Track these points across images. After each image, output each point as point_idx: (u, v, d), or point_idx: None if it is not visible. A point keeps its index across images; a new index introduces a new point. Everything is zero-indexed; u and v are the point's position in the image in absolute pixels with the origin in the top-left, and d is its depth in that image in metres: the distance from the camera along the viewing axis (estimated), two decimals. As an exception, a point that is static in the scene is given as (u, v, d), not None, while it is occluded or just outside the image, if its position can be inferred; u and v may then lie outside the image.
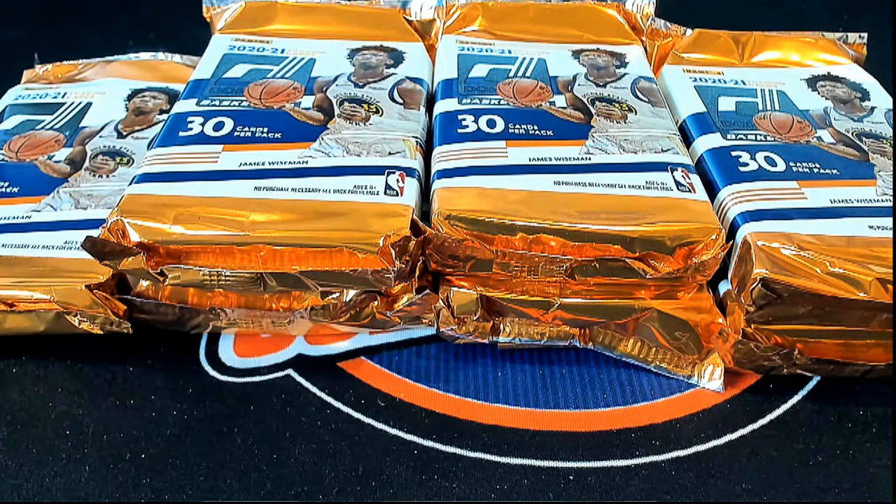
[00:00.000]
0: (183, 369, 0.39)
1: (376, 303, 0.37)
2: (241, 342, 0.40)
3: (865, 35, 0.51)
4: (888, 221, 0.36)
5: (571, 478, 0.34)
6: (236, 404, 0.37)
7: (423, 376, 0.39)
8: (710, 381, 0.38)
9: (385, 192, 0.37)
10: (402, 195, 0.37)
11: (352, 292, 0.37)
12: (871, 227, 0.36)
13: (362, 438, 0.36)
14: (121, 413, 0.36)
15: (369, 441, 0.36)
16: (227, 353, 0.40)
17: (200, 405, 0.37)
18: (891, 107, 0.46)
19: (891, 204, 0.37)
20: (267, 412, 0.37)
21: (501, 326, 0.38)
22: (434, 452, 0.35)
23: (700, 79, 0.47)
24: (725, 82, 0.47)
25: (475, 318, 0.37)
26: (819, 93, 0.46)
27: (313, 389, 0.38)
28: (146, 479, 0.34)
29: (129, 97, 0.49)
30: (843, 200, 0.37)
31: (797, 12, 0.72)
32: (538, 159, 0.39)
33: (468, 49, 0.48)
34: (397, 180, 0.37)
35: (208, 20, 0.52)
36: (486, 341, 0.38)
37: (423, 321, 0.39)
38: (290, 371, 0.39)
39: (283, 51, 0.48)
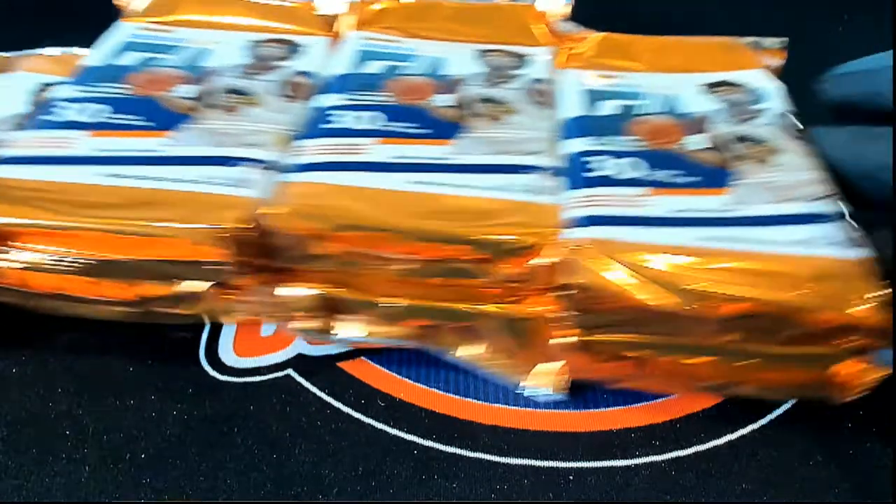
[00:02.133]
0: (183, 369, 0.39)
1: (223, 294, 0.37)
2: (242, 342, 0.40)
3: (786, 39, 0.50)
4: (719, 232, 0.35)
5: (571, 478, 0.34)
6: (236, 404, 0.37)
7: (423, 376, 0.39)
8: (546, 388, 0.37)
9: (232, 184, 0.36)
10: (249, 187, 0.36)
11: (197, 283, 0.37)
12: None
13: (362, 438, 0.36)
14: (121, 413, 0.36)
15: (369, 441, 0.36)
16: (227, 352, 0.40)
17: (200, 405, 0.37)
18: (784, 111, 0.43)
19: (730, 214, 0.36)
20: (267, 412, 0.37)
21: (343, 324, 0.38)
22: (434, 452, 0.35)
23: (593, 82, 0.46)
24: (619, 86, 0.46)
25: (316, 315, 0.37)
26: (713, 98, 0.45)
27: (313, 389, 0.38)
28: (146, 479, 0.34)
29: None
30: (683, 210, 0.36)
31: (797, 12, 0.72)
32: (402, 157, 0.38)
33: (369, 46, 0.47)
34: (250, 173, 0.37)
35: (120, 8, 0.52)
36: (329, 338, 0.38)
37: (272, 316, 0.38)
38: (290, 371, 0.39)
39: (182, 40, 0.48)
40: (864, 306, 0.32)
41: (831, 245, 0.34)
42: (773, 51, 0.50)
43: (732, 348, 0.34)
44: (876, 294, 0.32)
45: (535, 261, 0.34)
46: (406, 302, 0.37)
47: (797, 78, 0.64)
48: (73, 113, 0.40)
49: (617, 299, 0.33)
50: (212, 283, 0.37)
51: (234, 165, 0.37)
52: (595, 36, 0.50)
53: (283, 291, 0.37)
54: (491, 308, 0.37)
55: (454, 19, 0.51)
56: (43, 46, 0.54)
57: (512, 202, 0.36)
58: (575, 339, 0.35)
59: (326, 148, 0.39)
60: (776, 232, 0.35)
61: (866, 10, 0.71)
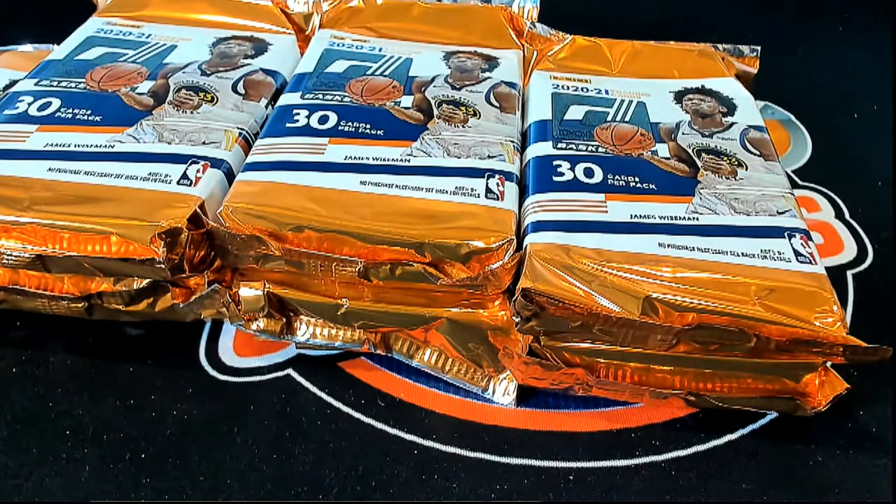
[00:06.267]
0: (183, 369, 0.39)
1: (170, 294, 0.37)
2: (242, 342, 0.40)
3: (759, 48, 0.49)
4: (682, 240, 0.35)
5: (571, 478, 0.34)
6: (236, 404, 0.37)
7: (424, 376, 0.39)
8: (504, 395, 0.37)
9: (178, 182, 0.36)
10: (195, 186, 0.36)
11: (145, 281, 0.37)
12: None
13: (362, 438, 0.36)
14: (121, 413, 0.36)
15: (369, 441, 0.36)
16: (227, 352, 0.40)
17: (200, 405, 0.37)
18: (752, 123, 0.43)
19: (691, 223, 0.36)
20: (267, 412, 0.37)
21: (296, 325, 0.38)
22: (434, 452, 0.35)
23: (561, 86, 0.45)
24: (587, 91, 0.45)
25: (263, 316, 0.37)
26: (683, 106, 0.44)
27: (313, 389, 0.38)
28: (146, 479, 0.34)
29: None
30: (644, 216, 0.36)
31: (797, 13, 0.72)
32: (358, 158, 0.38)
33: (336, 45, 0.47)
34: (198, 171, 0.37)
35: (94, 3, 0.52)
36: (279, 339, 0.38)
37: (224, 316, 0.38)
38: (290, 371, 0.39)
39: (148, 36, 0.48)
40: (822, 320, 0.32)
41: (791, 259, 0.34)
42: (746, 59, 0.49)
43: (690, 358, 0.34)
44: (833, 308, 0.32)
45: (490, 266, 0.34)
46: (359, 305, 0.37)
47: (797, 78, 0.64)
48: (25, 106, 0.41)
49: (573, 305, 0.32)
50: (158, 281, 0.37)
51: (183, 163, 0.37)
52: (568, 39, 0.49)
53: (241, 292, 0.37)
54: (446, 313, 0.36)
55: (425, 20, 0.50)
56: (20, 43, 0.54)
57: (468, 205, 0.36)
58: (529, 345, 0.35)
59: (282, 147, 0.38)
60: (737, 243, 0.35)
61: (866, 10, 0.71)
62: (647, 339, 0.33)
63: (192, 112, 0.41)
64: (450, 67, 0.46)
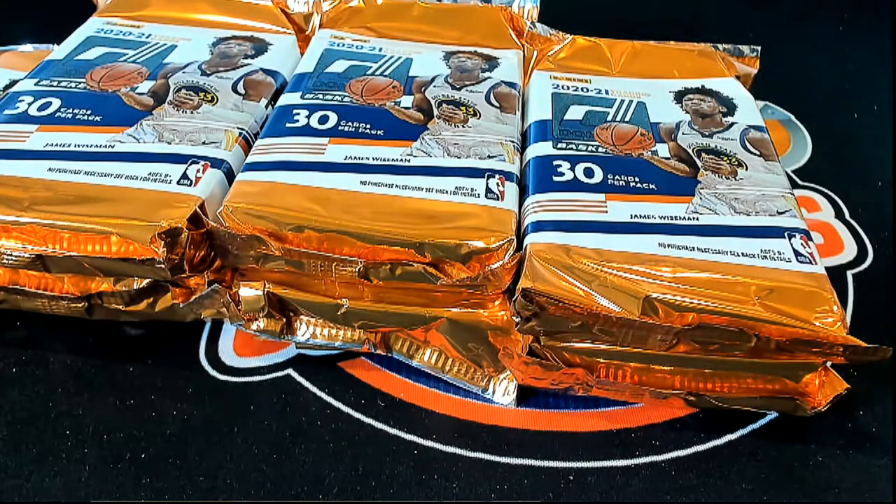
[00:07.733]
0: (183, 369, 0.39)
1: (170, 294, 0.37)
2: (242, 342, 0.40)
3: (759, 48, 0.49)
4: (682, 240, 0.35)
5: (571, 478, 0.34)
6: (236, 404, 0.37)
7: (424, 376, 0.39)
8: (504, 395, 0.37)
9: (178, 182, 0.36)
10: (195, 186, 0.36)
11: (145, 281, 0.37)
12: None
13: (362, 438, 0.36)
14: (121, 413, 0.36)
15: (369, 441, 0.36)
16: (227, 352, 0.40)
17: (200, 405, 0.37)
18: (752, 123, 0.43)
19: (691, 223, 0.36)
20: (267, 412, 0.37)
21: (296, 325, 0.38)
22: (434, 452, 0.35)
23: (561, 86, 0.45)
24: (588, 91, 0.45)
25: (263, 316, 0.37)
26: (683, 106, 0.44)
27: (313, 389, 0.38)
28: (146, 479, 0.34)
29: None
30: (643, 216, 0.36)
31: (797, 13, 0.72)
32: (358, 158, 0.38)
33: (336, 45, 0.47)
34: (198, 171, 0.37)
35: (94, 3, 0.52)
36: (279, 339, 0.38)
37: (224, 316, 0.38)
38: (290, 371, 0.39)
39: (148, 36, 0.48)
40: (822, 320, 0.32)
41: (791, 259, 0.34)
42: (746, 59, 0.49)
43: (690, 358, 0.34)
44: (833, 308, 0.32)
45: (490, 266, 0.34)
46: (359, 305, 0.37)
47: (797, 78, 0.64)
48: (25, 106, 0.41)
49: (573, 305, 0.32)
50: (158, 281, 0.37)
51: (183, 163, 0.37)
52: (568, 39, 0.49)
53: (241, 292, 0.37)
54: (446, 313, 0.36)
55: (425, 20, 0.50)
56: (20, 43, 0.54)
57: (468, 206, 0.36)
58: (529, 345, 0.35)
59: (282, 147, 0.38)
60: (737, 243, 0.35)
61: (866, 10, 0.71)
62: (647, 339, 0.33)
63: (192, 112, 0.41)
64: (450, 67, 0.46)
